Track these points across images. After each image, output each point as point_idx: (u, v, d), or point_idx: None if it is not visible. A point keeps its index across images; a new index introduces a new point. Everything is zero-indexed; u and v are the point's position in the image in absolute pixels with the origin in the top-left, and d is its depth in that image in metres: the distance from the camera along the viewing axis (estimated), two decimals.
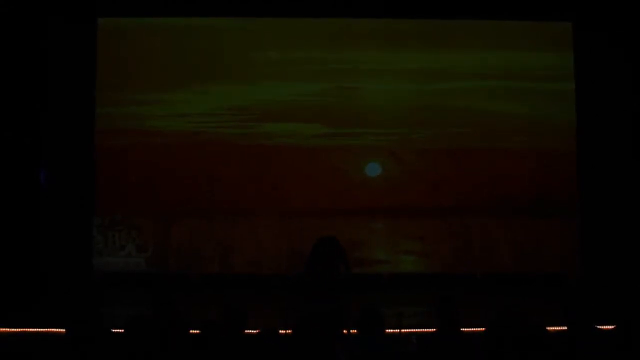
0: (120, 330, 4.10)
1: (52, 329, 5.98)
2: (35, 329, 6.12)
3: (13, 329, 6.17)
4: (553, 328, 3.97)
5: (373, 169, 8.38)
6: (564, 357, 3.75)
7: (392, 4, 8.09)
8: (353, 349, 3.88)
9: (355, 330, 4.02)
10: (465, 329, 3.98)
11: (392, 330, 5.21)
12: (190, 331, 4.61)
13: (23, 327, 6.18)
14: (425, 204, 8.27)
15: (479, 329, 4.07)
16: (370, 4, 8.08)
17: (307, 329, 3.84)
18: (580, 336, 3.80)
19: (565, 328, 3.88)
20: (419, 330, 5.40)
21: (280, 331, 3.89)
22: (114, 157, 8.20)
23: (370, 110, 8.36)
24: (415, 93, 8.37)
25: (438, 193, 8.28)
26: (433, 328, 4.12)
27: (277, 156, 8.30)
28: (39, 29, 7.88)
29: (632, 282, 7.49)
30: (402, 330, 5.55)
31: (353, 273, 5.95)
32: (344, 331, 5.30)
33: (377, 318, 3.96)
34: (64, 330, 5.40)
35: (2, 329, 6.16)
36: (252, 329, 3.92)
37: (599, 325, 3.97)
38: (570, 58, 8.34)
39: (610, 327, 3.90)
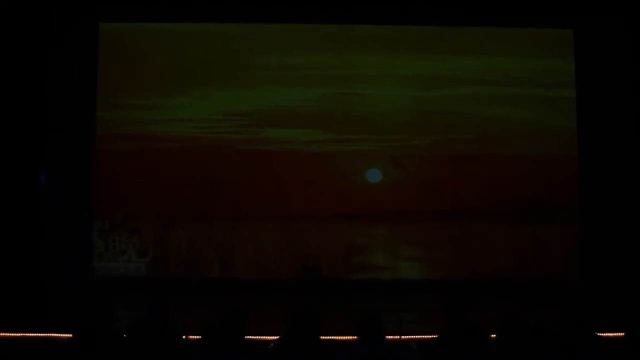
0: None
1: (54, 334, 5.98)
2: (36, 334, 6.11)
3: (14, 334, 6.16)
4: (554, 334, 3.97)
5: (374, 175, 8.38)
6: None
7: (392, 11, 8.10)
8: (353, 354, 3.88)
9: (356, 336, 4.02)
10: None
11: (392, 337, 5.21)
12: (190, 336, 4.61)
13: (24, 332, 6.18)
14: (425, 210, 8.27)
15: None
16: (370, 11, 8.10)
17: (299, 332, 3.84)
18: (580, 342, 3.80)
19: (566, 334, 3.88)
20: (419, 337, 5.40)
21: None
22: (115, 161, 8.21)
23: (370, 116, 8.37)
24: (415, 99, 8.38)
25: (439, 198, 8.28)
26: (435, 333, 4.12)
27: (277, 161, 8.30)
28: (40, 34, 7.89)
29: (633, 288, 7.49)
30: (402, 337, 5.55)
31: (354, 279, 5.91)
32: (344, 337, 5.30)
33: (377, 324, 3.97)
34: (65, 335, 5.41)
35: (2, 334, 6.16)
36: (252, 334, 3.92)
37: (599, 331, 3.98)
38: (571, 64, 8.36)
39: (611, 334, 3.91)
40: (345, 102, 8.37)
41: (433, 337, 4.12)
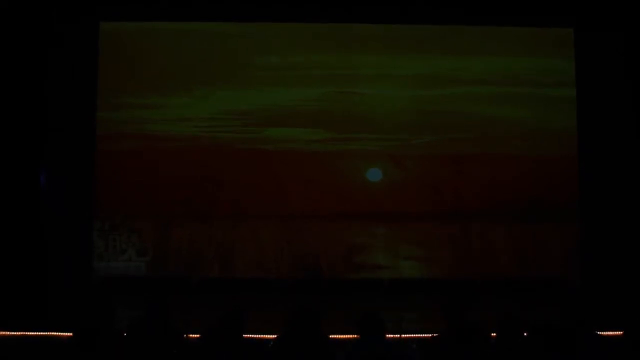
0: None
1: (54, 333, 5.98)
2: (36, 333, 6.11)
3: (14, 333, 6.16)
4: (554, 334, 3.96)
5: (374, 174, 8.38)
6: None
7: (392, 10, 8.10)
8: (353, 353, 3.88)
9: (356, 335, 4.03)
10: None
11: (392, 336, 5.21)
12: (190, 335, 4.62)
13: (25, 331, 6.18)
14: (426, 209, 8.27)
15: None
16: (370, 10, 8.10)
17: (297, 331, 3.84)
18: (580, 342, 3.80)
19: (566, 334, 3.88)
20: (419, 336, 5.41)
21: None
22: (114, 161, 8.20)
23: (370, 115, 8.36)
24: (415, 99, 8.38)
25: (439, 198, 8.28)
26: (435, 332, 4.12)
27: (277, 161, 8.30)
28: (40, 34, 7.89)
29: (633, 288, 7.49)
30: (402, 336, 5.55)
31: (354, 278, 5.90)
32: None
33: (377, 323, 3.97)
34: (66, 333, 5.40)
35: (2, 333, 6.16)
36: (252, 333, 3.92)
37: (599, 330, 3.98)
38: (571, 64, 8.36)
39: (611, 332, 3.91)
40: (345, 102, 8.37)
41: (433, 337, 4.12)
